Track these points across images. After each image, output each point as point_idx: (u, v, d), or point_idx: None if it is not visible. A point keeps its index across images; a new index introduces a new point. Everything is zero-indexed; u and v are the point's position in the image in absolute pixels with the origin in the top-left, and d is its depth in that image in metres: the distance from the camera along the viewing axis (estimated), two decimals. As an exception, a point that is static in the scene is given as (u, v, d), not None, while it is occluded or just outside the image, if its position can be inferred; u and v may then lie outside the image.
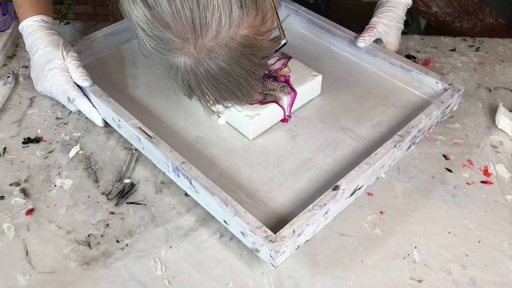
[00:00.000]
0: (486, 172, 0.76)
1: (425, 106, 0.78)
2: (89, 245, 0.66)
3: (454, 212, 0.71)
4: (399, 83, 0.87)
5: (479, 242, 0.67)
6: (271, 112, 0.77)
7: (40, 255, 0.65)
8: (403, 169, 0.76)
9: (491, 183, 0.74)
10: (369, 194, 0.72)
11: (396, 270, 0.64)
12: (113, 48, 0.93)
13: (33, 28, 0.81)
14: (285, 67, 0.83)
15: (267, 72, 0.81)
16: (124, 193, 0.72)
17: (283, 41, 0.70)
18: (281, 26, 0.68)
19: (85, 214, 0.69)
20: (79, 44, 0.87)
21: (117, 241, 0.66)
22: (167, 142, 0.70)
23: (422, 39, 1.02)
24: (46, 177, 0.74)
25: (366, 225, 0.69)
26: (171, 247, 0.66)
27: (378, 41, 0.90)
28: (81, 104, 0.78)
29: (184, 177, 0.67)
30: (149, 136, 0.70)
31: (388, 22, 0.89)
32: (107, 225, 0.68)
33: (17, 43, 0.98)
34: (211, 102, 0.67)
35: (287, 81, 0.80)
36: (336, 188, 0.64)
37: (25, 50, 0.84)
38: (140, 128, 0.72)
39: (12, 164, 0.75)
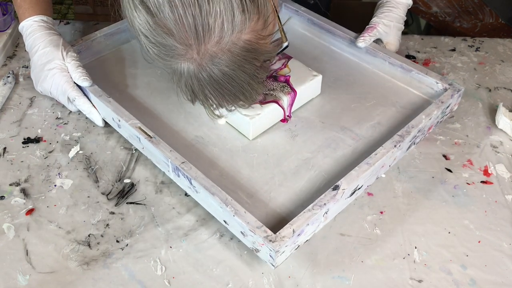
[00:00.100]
0: (486, 172, 0.76)
1: (425, 106, 0.78)
2: (89, 245, 0.66)
3: (454, 212, 0.71)
4: (399, 83, 0.87)
5: (479, 242, 0.67)
6: (271, 112, 0.77)
7: (40, 255, 0.64)
8: (403, 169, 0.76)
9: (491, 183, 0.74)
10: (369, 194, 0.72)
11: (396, 270, 0.64)
12: (113, 48, 0.93)
13: (33, 28, 0.81)
14: (285, 67, 0.83)
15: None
16: (124, 193, 0.72)
17: (285, 44, 0.70)
18: (283, 29, 0.68)
19: (85, 214, 0.69)
20: (79, 44, 0.87)
21: (117, 241, 0.66)
22: (167, 142, 0.70)
23: (422, 39, 1.02)
24: (46, 177, 0.74)
25: (366, 225, 0.69)
26: (171, 247, 0.66)
27: (378, 41, 0.90)
28: (81, 104, 0.78)
29: (184, 177, 0.67)
30: (149, 136, 0.70)
31: (388, 22, 0.89)
32: (107, 225, 0.68)
33: (17, 43, 0.98)
34: (214, 106, 0.67)
35: (287, 81, 0.80)
36: (336, 188, 0.64)
37: (25, 50, 0.84)
38: (140, 128, 0.72)
39: (12, 164, 0.75)
